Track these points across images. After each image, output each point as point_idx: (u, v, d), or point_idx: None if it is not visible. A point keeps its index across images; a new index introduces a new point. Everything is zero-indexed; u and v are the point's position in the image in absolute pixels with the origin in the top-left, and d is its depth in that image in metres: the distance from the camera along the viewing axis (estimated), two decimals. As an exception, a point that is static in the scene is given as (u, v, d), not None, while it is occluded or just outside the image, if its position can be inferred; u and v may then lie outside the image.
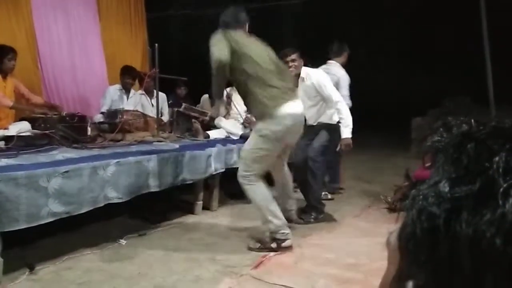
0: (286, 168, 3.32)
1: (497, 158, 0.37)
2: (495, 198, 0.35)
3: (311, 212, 3.64)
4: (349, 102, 4.23)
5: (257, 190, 2.90)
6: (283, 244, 2.90)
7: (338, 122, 3.66)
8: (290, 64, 3.49)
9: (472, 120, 0.44)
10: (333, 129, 3.73)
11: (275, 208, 2.93)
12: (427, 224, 0.38)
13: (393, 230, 0.47)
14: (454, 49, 8.33)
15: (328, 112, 3.78)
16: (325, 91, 3.56)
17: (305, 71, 3.64)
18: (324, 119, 3.81)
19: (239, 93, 3.11)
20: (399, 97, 9.24)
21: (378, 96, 9.72)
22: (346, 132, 3.53)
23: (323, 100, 3.64)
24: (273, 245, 2.91)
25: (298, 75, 3.61)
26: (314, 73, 3.66)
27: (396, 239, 0.43)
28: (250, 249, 2.92)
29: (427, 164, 3.38)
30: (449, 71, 8.58)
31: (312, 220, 3.59)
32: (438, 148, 0.44)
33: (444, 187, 0.38)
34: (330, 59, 4.51)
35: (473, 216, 0.36)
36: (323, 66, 4.35)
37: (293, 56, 3.53)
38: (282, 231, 2.91)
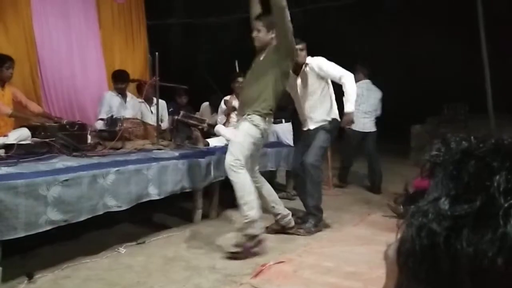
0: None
1: (497, 177, 0.37)
2: (496, 217, 0.35)
3: (309, 220, 3.58)
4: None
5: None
6: (257, 238, 2.97)
7: (334, 119, 3.64)
8: (299, 52, 3.55)
9: (472, 137, 0.44)
10: (330, 128, 3.66)
11: (254, 200, 3.00)
12: (427, 241, 0.38)
13: (391, 243, 0.47)
14: (453, 56, 8.37)
15: (322, 109, 3.69)
16: (325, 69, 3.57)
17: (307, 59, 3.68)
18: (318, 119, 3.69)
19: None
20: (399, 104, 9.26)
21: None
22: (348, 106, 3.47)
23: (326, 83, 3.63)
24: (249, 243, 2.94)
25: (301, 65, 3.63)
26: (314, 59, 3.67)
27: (394, 253, 0.43)
28: (232, 254, 2.91)
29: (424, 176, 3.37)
30: (449, 77, 8.62)
31: (312, 229, 3.52)
32: (437, 163, 0.44)
33: (444, 204, 0.38)
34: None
35: (474, 235, 0.35)
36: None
37: (301, 46, 3.56)
38: (254, 225, 2.95)
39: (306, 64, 3.63)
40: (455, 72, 8.27)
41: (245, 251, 2.91)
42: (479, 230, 0.35)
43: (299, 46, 3.52)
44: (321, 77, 3.62)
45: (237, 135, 3.12)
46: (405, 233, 0.41)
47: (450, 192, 0.39)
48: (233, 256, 2.89)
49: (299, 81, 3.67)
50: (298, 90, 3.69)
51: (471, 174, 0.38)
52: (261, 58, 3.22)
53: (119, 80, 5.05)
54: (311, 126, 3.71)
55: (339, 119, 3.70)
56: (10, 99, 4.12)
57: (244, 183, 2.96)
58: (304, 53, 3.61)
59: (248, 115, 3.04)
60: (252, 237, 2.94)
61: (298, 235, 3.44)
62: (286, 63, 3.13)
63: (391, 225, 2.53)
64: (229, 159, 3.00)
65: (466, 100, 7.48)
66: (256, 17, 3.24)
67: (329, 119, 3.67)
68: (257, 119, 3.03)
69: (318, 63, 3.60)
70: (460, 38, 7.23)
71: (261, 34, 3.18)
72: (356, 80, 3.90)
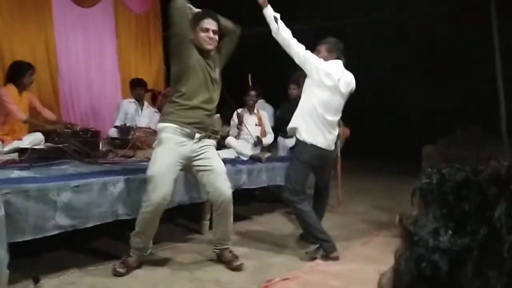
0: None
1: (498, 208, 0.36)
2: (500, 252, 0.35)
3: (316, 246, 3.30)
4: None
5: None
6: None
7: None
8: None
9: (467, 168, 0.44)
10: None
11: None
12: (429, 273, 0.37)
13: (384, 272, 0.47)
14: (468, 77, 8.33)
15: None
16: None
17: None
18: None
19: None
20: (409, 124, 9.21)
21: (388, 123, 9.71)
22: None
23: None
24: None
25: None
26: None
27: (389, 284, 0.42)
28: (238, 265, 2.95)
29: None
30: (462, 99, 8.56)
31: (318, 256, 3.24)
32: (429, 191, 0.43)
33: (445, 236, 0.37)
34: None
35: (479, 269, 0.35)
36: None
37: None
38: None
39: None
40: (470, 92, 8.20)
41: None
42: (484, 265, 0.35)
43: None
44: None
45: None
46: (401, 265, 0.40)
47: (448, 223, 0.38)
48: (237, 268, 2.92)
49: None
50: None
51: (471, 204, 0.38)
52: (212, 66, 2.90)
53: (138, 85, 5.17)
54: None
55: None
56: (27, 105, 4.19)
57: None
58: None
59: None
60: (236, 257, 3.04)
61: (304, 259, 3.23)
62: None
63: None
64: (231, 188, 3.02)
65: (480, 122, 7.42)
66: (210, 14, 2.85)
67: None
68: None
69: None
70: (476, 57, 7.20)
71: (217, 37, 2.85)
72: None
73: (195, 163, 2.85)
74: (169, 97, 2.87)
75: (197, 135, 2.80)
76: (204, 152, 2.86)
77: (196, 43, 2.80)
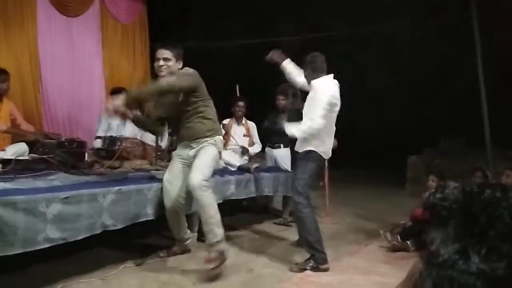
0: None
1: None
2: None
3: (309, 259, 3.26)
4: None
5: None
6: (225, 255, 3.03)
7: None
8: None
9: (491, 184, 0.43)
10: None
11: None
12: None
13: None
14: (451, 89, 8.51)
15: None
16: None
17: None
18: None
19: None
20: (395, 135, 9.34)
21: (374, 134, 9.83)
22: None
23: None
24: (221, 257, 2.98)
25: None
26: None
27: None
28: (211, 269, 2.91)
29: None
30: (446, 110, 8.73)
31: (308, 267, 3.21)
32: (447, 208, 0.42)
33: (477, 256, 0.36)
34: None
35: None
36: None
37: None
38: (224, 242, 3.03)
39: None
40: (454, 105, 8.38)
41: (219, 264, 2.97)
42: None
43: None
44: None
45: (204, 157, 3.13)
46: (422, 285, 0.39)
47: (480, 243, 0.36)
48: (215, 272, 2.91)
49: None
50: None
51: (506, 225, 0.37)
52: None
53: (117, 94, 5.06)
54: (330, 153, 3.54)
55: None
56: (7, 114, 4.10)
57: (213, 203, 3.04)
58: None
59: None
60: (223, 252, 2.99)
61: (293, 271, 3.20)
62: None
63: (389, 256, 2.53)
64: (199, 178, 2.97)
65: (464, 134, 7.57)
66: (162, 44, 3.15)
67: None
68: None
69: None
70: (460, 70, 7.37)
71: (171, 63, 3.10)
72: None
73: None
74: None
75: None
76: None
77: None
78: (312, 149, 3.37)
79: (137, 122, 3.15)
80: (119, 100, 2.73)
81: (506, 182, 4.67)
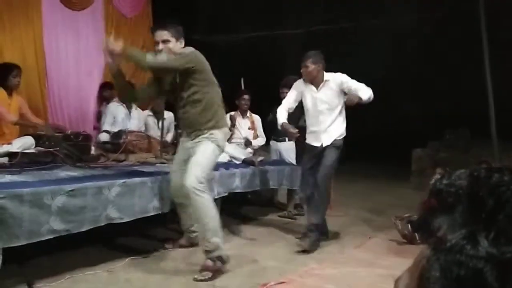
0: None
1: None
2: None
3: (310, 235, 3.60)
4: None
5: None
6: (226, 262, 2.87)
7: (344, 137, 3.72)
8: (303, 69, 3.64)
9: (499, 168, 0.43)
10: (341, 146, 3.72)
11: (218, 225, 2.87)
12: (472, 281, 0.35)
13: (399, 277, 0.45)
14: (457, 80, 8.44)
15: (338, 126, 3.72)
16: (348, 84, 3.59)
17: (328, 76, 3.68)
18: (334, 135, 3.70)
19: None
20: (399, 127, 9.30)
21: (378, 126, 9.79)
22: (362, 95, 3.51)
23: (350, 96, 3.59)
24: (218, 264, 2.82)
25: (311, 81, 3.68)
26: (335, 75, 3.67)
27: None
28: (200, 280, 2.71)
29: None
30: (452, 102, 8.67)
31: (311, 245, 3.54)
32: (454, 194, 0.42)
33: (485, 240, 0.36)
34: None
35: None
36: None
37: (306, 63, 3.63)
38: (221, 248, 2.84)
39: (327, 80, 3.65)
40: (459, 96, 8.32)
41: (213, 272, 2.80)
42: None
43: (304, 64, 3.61)
44: (340, 94, 3.65)
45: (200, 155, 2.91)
46: (431, 271, 0.38)
47: (488, 227, 0.36)
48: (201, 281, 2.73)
49: (319, 95, 3.67)
50: (318, 105, 3.69)
51: (510, 210, 0.37)
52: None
53: (107, 88, 5.15)
54: (326, 142, 3.69)
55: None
56: (17, 108, 4.14)
57: (209, 208, 2.81)
58: (309, 69, 3.62)
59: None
60: (220, 257, 2.82)
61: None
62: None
63: (393, 248, 2.53)
64: (192, 180, 2.76)
65: (469, 126, 7.51)
66: (160, 26, 2.96)
67: (342, 137, 3.72)
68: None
69: (340, 79, 3.62)
70: (465, 61, 7.31)
71: (171, 44, 2.88)
72: None
73: None
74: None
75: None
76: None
77: None
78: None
79: (117, 75, 2.90)
80: (119, 44, 2.64)
81: None
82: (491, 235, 0.36)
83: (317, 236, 3.62)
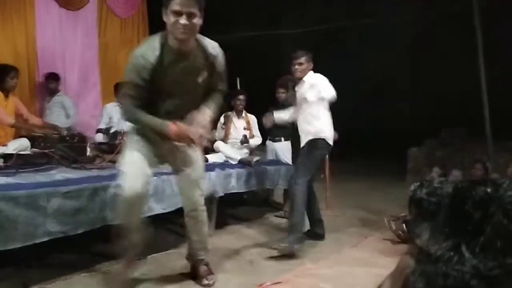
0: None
1: None
2: None
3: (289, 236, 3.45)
4: None
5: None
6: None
7: (322, 138, 3.60)
8: (295, 67, 3.63)
9: (489, 181, 0.43)
10: (317, 146, 3.61)
11: None
12: None
13: (383, 283, 0.45)
14: (452, 80, 8.48)
15: (312, 126, 3.62)
16: (317, 88, 3.50)
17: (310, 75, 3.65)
18: (308, 136, 3.62)
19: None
20: (395, 126, 9.33)
21: (374, 125, 9.82)
22: None
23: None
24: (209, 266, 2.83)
25: (300, 78, 3.67)
26: (312, 76, 3.65)
27: None
28: (211, 285, 2.71)
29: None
30: (447, 101, 8.71)
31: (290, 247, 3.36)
32: (435, 203, 0.43)
33: (471, 253, 0.36)
34: None
35: None
36: None
37: (298, 60, 3.61)
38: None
39: (303, 80, 3.65)
40: (455, 96, 8.36)
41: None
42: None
43: (296, 61, 3.61)
44: (312, 93, 3.54)
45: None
46: (415, 281, 0.39)
47: (474, 239, 0.36)
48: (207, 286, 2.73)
49: (298, 94, 3.71)
50: (298, 105, 3.73)
51: (500, 223, 0.37)
52: (190, 61, 2.37)
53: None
54: (302, 142, 3.68)
55: (329, 142, 3.65)
56: (13, 110, 4.13)
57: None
58: (300, 67, 3.61)
59: None
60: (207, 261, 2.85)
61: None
62: None
63: (389, 248, 2.54)
64: (200, 195, 2.67)
65: (465, 125, 7.55)
66: None
67: (317, 137, 3.60)
68: None
69: (313, 81, 3.59)
70: (460, 61, 7.35)
71: (196, 20, 2.21)
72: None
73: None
74: None
75: None
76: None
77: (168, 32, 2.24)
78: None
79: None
80: (202, 125, 2.30)
81: (476, 176, 4.64)
82: (477, 248, 0.37)
83: (293, 238, 3.42)
